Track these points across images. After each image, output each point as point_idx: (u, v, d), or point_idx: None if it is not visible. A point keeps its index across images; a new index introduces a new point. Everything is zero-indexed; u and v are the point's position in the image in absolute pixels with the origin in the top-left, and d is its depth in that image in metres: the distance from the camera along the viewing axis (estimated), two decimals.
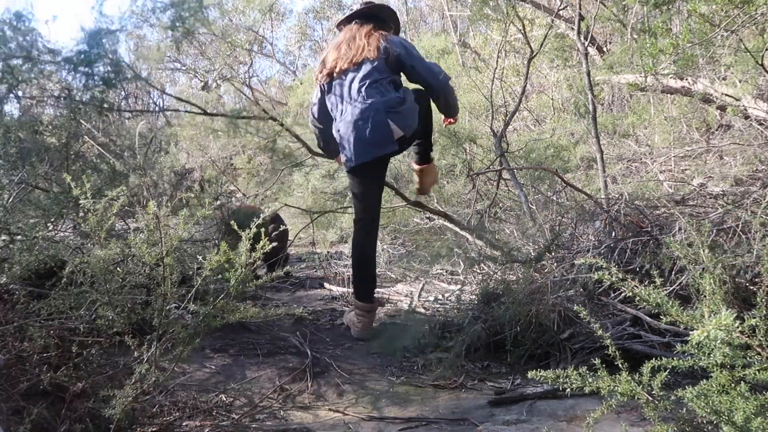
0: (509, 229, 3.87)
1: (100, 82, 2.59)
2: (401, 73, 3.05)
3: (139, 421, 1.84)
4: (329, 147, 3.30)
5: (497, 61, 5.30)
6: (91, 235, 1.85)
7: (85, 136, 3.42)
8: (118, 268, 2.04)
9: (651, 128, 5.66)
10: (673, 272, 2.52)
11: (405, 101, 2.89)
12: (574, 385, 1.38)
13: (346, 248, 5.64)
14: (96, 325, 1.96)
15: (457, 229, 4.31)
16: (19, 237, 2.17)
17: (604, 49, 7.27)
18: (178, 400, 2.13)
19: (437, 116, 3.29)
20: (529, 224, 3.31)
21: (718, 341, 1.24)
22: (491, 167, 4.95)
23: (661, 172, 4.30)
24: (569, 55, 7.13)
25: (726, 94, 4.35)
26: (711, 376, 1.32)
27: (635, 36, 5.53)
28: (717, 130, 5.27)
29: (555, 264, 2.84)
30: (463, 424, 2.07)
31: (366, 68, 2.91)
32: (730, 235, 2.62)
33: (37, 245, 2.03)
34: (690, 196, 3.10)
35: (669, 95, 5.44)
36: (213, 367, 2.58)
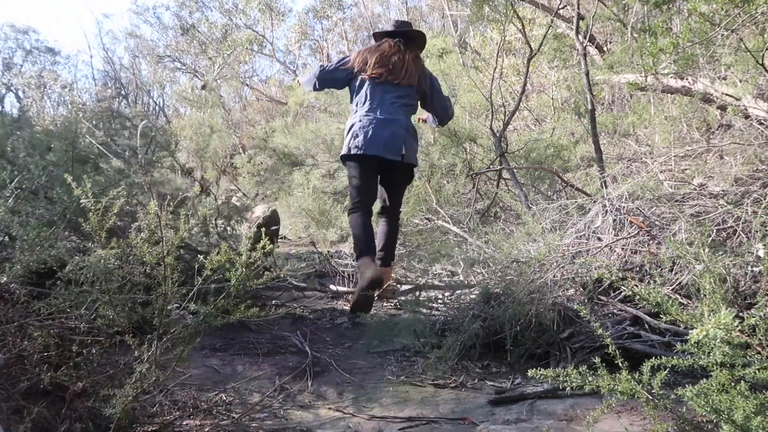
0: (509, 228, 3.87)
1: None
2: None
3: (139, 420, 1.84)
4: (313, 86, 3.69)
5: (497, 61, 5.30)
6: (92, 235, 1.85)
7: (86, 136, 3.42)
8: (118, 268, 2.04)
9: (651, 128, 5.65)
10: (673, 272, 2.53)
11: (416, 135, 3.57)
12: (574, 384, 1.39)
13: (346, 248, 5.64)
14: (96, 324, 1.96)
15: (457, 230, 4.32)
16: (19, 236, 2.17)
17: (604, 48, 7.27)
18: (178, 399, 2.13)
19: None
20: (529, 223, 3.31)
21: (718, 340, 1.24)
22: (491, 167, 4.95)
23: (661, 172, 4.30)
24: (569, 54, 7.13)
25: (726, 94, 4.35)
26: (711, 375, 1.32)
27: (635, 35, 5.54)
28: (717, 129, 5.27)
29: (555, 263, 2.84)
30: (463, 423, 2.07)
31: (404, 91, 3.47)
32: (730, 235, 2.62)
33: (37, 245, 2.03)
34: (690, 195, 3.10)
35: (669, 95, 5.44)
36: (213, 366, 2.58)
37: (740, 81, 4.27)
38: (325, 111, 9.29)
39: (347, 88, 3.67)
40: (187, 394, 2.19)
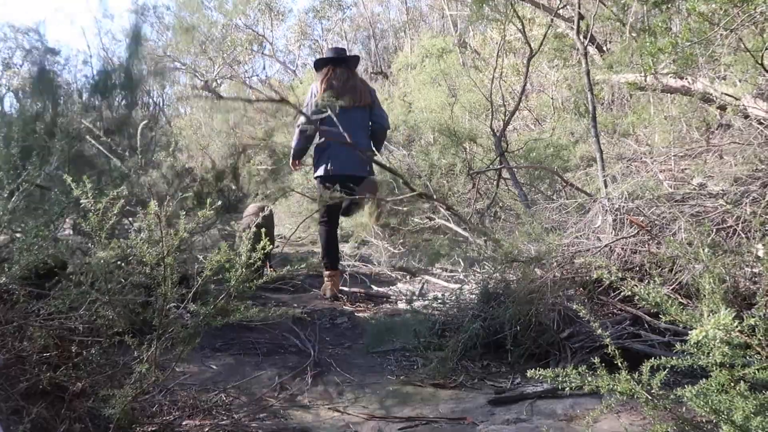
0: (509, 228, 3.87)
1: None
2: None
3: (138, 420, 1.84)
4: (303, 152, 4.25)
5: (497, 61, 5.29)
6: (92, 235, 1.84)
7: (87, 136, 3.41)
8: (118, 268, 2.04)
9: (651, 127, 5.65)
10: (673, 271, 2.52)
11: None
12: (573, 384, 1.38)
13: (346, 247, 5.64)
14: (96, 324, 1.96)
15: (458, 229, 4.31)
16: (19, 235, 2.17)
17: (604, 48, 7.26)
18: (177, 399, 2.13)
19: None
20: (529, 223, 3.31)
21: (718, 340, 1.24)
22: (491, 166, 4.95)
23: (660, 172, 4.29)
24: (569, 54, 7.13)
25: (726, 94, 4.35)
26: (710, 376, 1.32)
27: (635, 35, 5.53)
28: (717, 129, 5.26)
29: (555, 263, 2.84)
30: (462, 423, 2.07)
31: (361, 112, 3.91)
32: (729, 235, 2.62)
33: (37, 245, 2.03)
34: (690, 195, 3.10)
35: (669, 94, 5.43)
36: (213, 366, 2.58)
37: (740, 81, 4.26)
38: None
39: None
40: (187, 394, 2.19)
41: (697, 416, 1.40)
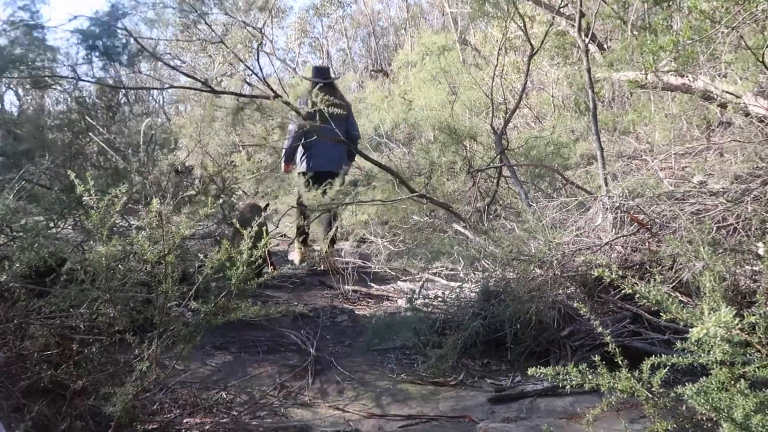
0: (510, 226, 3.87)
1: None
2: None
3: (139, 418, 1.85)
4: (294, 153, 4.94)
5: (497, 58, 5.29)
6: (93, 233, 1.84)
7: (89, 134, 3.41)
8: (119, 266, 2.04)
9: (651, 125, 5.65)
10: (673, 269, 2.52)
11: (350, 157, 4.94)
12: (573, 382, 1.39)
13: (347, 246, 5.64)
14: (97, 322, 1.96)
15: (458, 228, 4.31)
16: (20, 234, 2.17)
17: (605, 46, 7.26)
18: (178, 397, 2.14)
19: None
20: (530, 221, 3.31)
21: (718, 338, 1.24)
22: (491, 164, 4.95)
23: (661, 170, 4.29)
24: (569, 52, 7.12)
25: (726, 92, 4.34)
26: (711, 373, 1.32)
27: (636, 33, 5.53)
28: (717, 127, 5.25)
29: (555, 261, 2.84)
30: (463, 421, 2.07)
31: (340, 124, 4.37)
32: (730, 233, 2.62)
33: (37, 243, 2.03)
34: (690, 193, 3.10)
35: (669, 92, 5.42)
36: (214, 364, 2.58)
37: (740, 78, 4.26)
38: None
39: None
40: (188, 392, 2.19)
41: (698, 414, 1.40)
